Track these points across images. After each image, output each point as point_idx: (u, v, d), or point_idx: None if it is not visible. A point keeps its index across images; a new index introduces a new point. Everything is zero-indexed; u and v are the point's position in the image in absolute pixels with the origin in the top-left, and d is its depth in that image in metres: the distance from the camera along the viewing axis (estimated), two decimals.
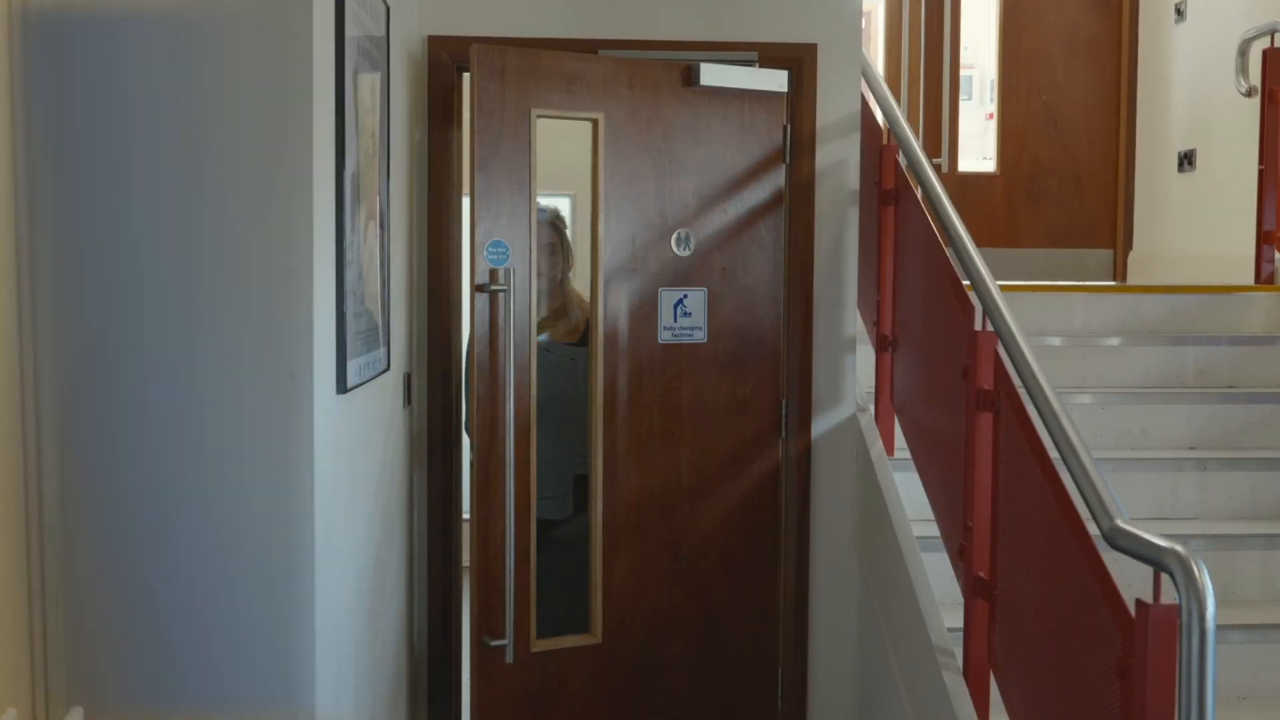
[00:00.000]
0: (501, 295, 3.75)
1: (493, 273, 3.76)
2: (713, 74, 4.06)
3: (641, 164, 4.05)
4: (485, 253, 3.74)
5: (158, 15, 2.51)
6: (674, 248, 4.11)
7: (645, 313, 4.09)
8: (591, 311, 4.05)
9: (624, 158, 4.03)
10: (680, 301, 4.12)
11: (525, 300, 3.86)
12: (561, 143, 4.23)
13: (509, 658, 3.75)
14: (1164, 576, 2.28)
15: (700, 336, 4.15)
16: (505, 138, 3.83)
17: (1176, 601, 2.22)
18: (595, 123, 3.99)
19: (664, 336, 4.12)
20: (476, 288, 3.75)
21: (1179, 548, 2.27)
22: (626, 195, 4.05)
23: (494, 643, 3.76)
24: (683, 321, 4.13)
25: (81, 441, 2.52)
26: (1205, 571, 2.22)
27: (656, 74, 4.06)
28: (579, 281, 4.36)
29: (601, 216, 4.02)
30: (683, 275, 4.14)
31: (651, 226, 4.08)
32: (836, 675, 4.28)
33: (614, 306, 4.06)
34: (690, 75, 4.07)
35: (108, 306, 2.53)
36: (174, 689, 2.57)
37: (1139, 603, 2.27)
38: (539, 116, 3.88)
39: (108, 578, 2.55)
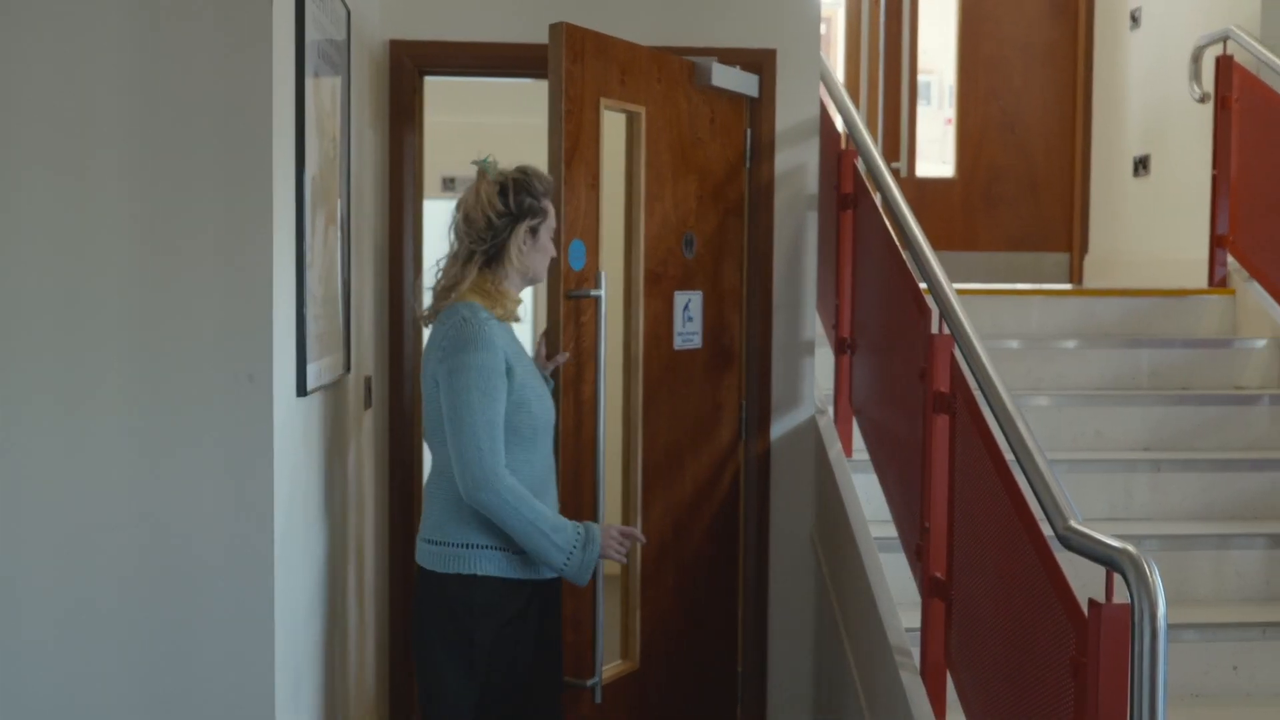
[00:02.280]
0: (594, 301, 3.52)
1: (579, 277, 3.51)
2: (720, 75, 3.99)
3: (666, 162, 3.92)
4: (568, 255, 3.46)
5: (117, 15, 2.50)
6: (684, 250, 4.00)
7: (668, 317, 3.96)
8: (629, 317, 3.85)
9: (656, 154, 3.87)
10: (687, 305, 4.02)
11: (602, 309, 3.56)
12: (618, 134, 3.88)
13: (598, 698, 3.61)
14: (1117, 576, 2.31)
15: (698, 341, 4.09)
16: (585, 128, 3.55)
17: (1129, 601, 2.26)
18: (639, 115, 3.81)
19: (676, 342, 3.99)
20: (567, 295, 3.45)
21: (1131, 548, 2.31)
22: (658, 194, 3.89)
23: (588, 682, 3.57)
24: (688, 326, 4.03)
25: (29, 441, 2.51)
26: (1156, 571, 2.26)
27: (674, 69, 3.92)
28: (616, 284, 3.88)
29: (641, 215, 3.82)
30: (688, 278, 4.04)
31: (671, 228, 3.96)
32: (795, 675, 4.31)
33: (650, 312, 3.86)
34: (697, 73, 3.99)
35: (63, 305, 2.51)
36: (127, 698, 2.56)
37: (1092, 602, 2.30)
38: (605, 107, 3.65)
39: (55, 582, 2.54)
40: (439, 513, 2.84)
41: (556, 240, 3.02)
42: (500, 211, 2.83)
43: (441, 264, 2.92)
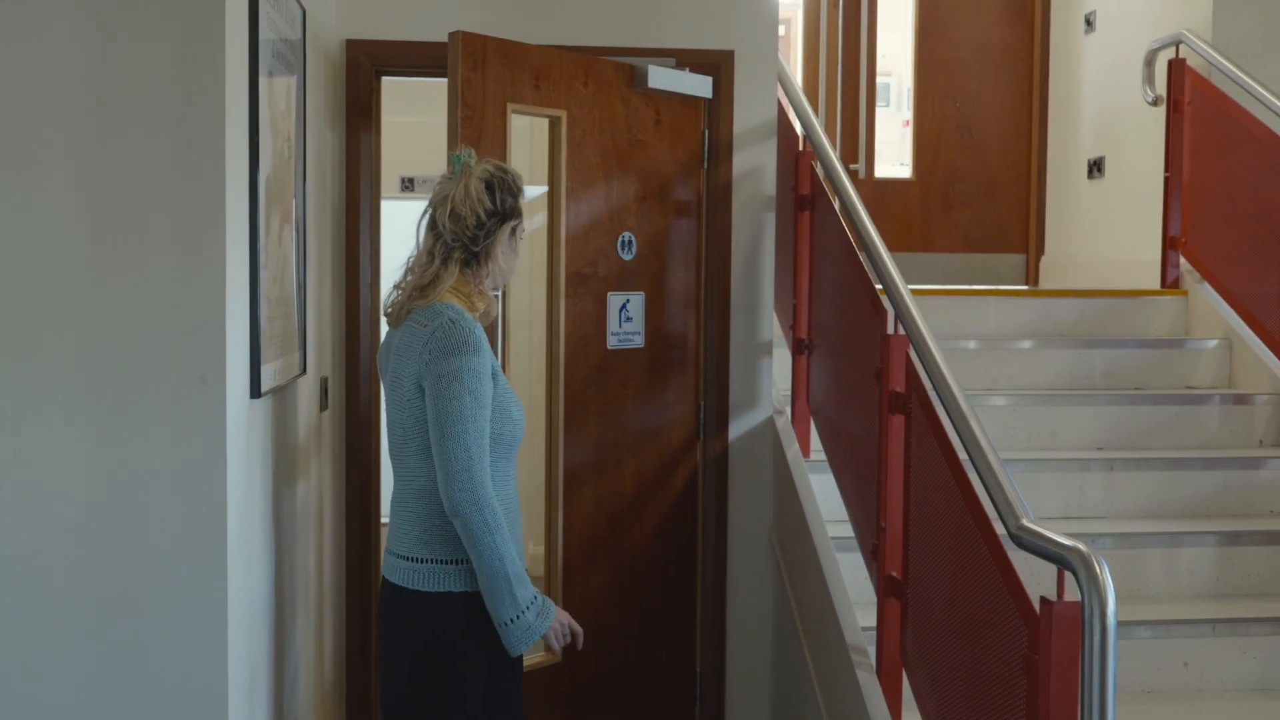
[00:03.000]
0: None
1: None
2: (659, 77, 4.03)
3: (595, 164, 3.97)
4: None
5: (67, 14, 2.48)
6: (619, 251, 4.06)
7: (597, 318, 4.02)
8: (551, 318, 3.92)
9: (581, 157, 3.93)
10: (624, 306, 4.08)
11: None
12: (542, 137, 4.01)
13: None
14: (1068, 574, 2.33)
15: (639, 341, 4.13)
16: (486, 132, 3.65)
17: (1079, 599, 2.28)
18: (560, 119, 3.88)
19: (611, 342, 4.06)
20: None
21: (1081, 546, 2.33)
22: (583, 197, 3.96)
23: None
24: (626, 326, 4.09)
25: None
26: (1106, 569, 2.28)
27: (607, 73, 3.98)
28: (536, 286, 4.17)
29: (563, 218, 3.90)
30: (627, 279, 4.10)
31: (602, 229, 4.01)
32: (753, 675, 4.33)
33: (573, 312, 3.95)
34: (635, 76, 4.03)
35: (12, 306, 2.49)
36: (77, 704, 2.53)
37: (1043, 600, 2.32)
38: (514, 112, 3.74)
39: (3, 587, 2.51)
40: (423, 527, 2.67)
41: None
42: (489, 210, 2.73)
43: (412, 260, 2.79)
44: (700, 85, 4.18)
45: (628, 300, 4.06)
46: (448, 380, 2.59)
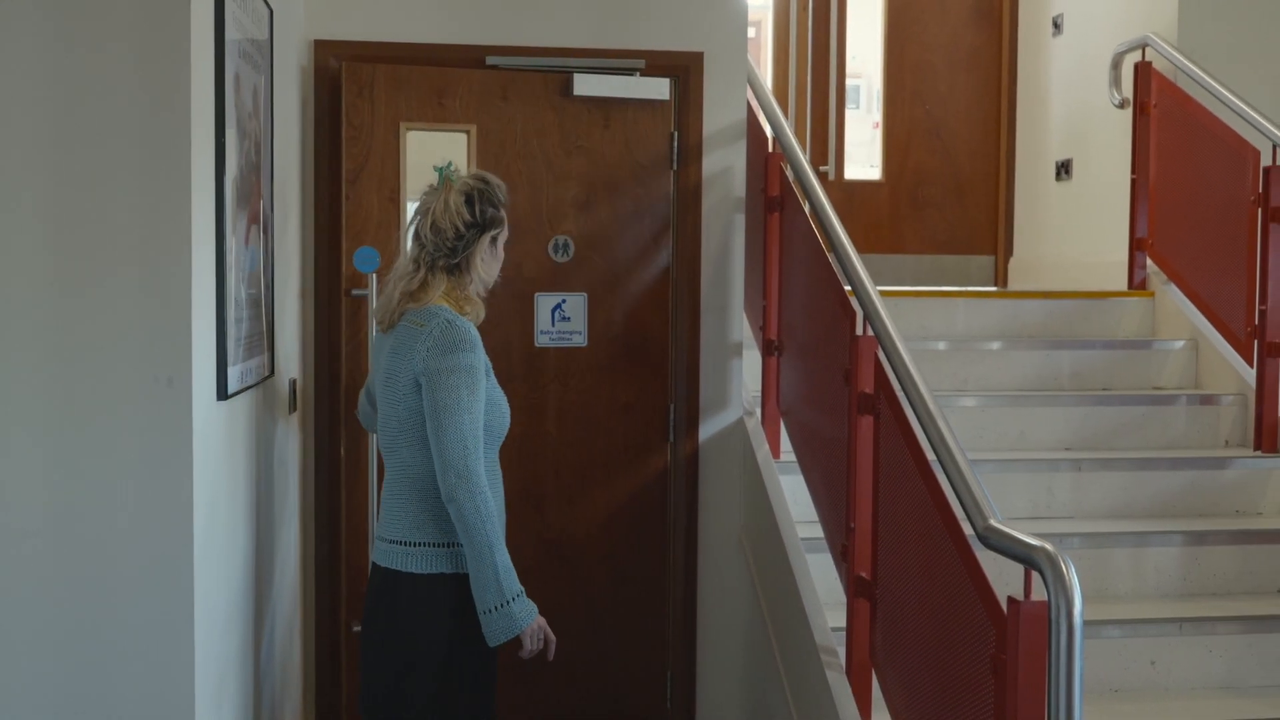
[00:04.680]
0: (366, 299, 3.93)
1: (363, 278, 3.93)
2: (587, 84, 4.15)
3: (516, 173, 4.14)
4: (355, 259, 3.85)
5: (31, 12, 2.46)
6: (551, 254, 4.20)
7: (521, 318, 4.18)
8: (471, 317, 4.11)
9: (498, 166, 4.11)
10: (559, 306, 4.20)
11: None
12: (454, 150, 4.21)
13: None
14: (1035, 574, 2.34)
15: (580, 340, 4.23)
16: (375, 150, 4.05)
17: (1046, 599, 2.29)
18: (468, 134, 4.12)
19: (541, 340, 4.21)
20: (349, 294, 4.02)
21: (1048, 546, 2.34)
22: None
23: (357, 628, 3.75)
24: (561, 326, 4.21)
25: None
26: (1073, 568, 2.29)
27: (534, 85, 4.15)
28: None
29: None
30: (561, 280, 4.21)
31: (527, 234, 4.15)
32: (724, 675, 4.33)
33: (490, 313, 4.09)
34: (573, 84, 4.13)
35: None
36: (41, 706, 2.51)
37: (1010, 600, 2.33)
38: (409, 130, 4.08)
39: None
40: (417, 512, 2.80)
41: (505, 246, 3.04)
42: (468, 222, 2.84)
43: (398, 268, 2.90)
44: (646, 88, 4.19)
45: (563, 300, 4.22)
46: (446, 375, 2.72)
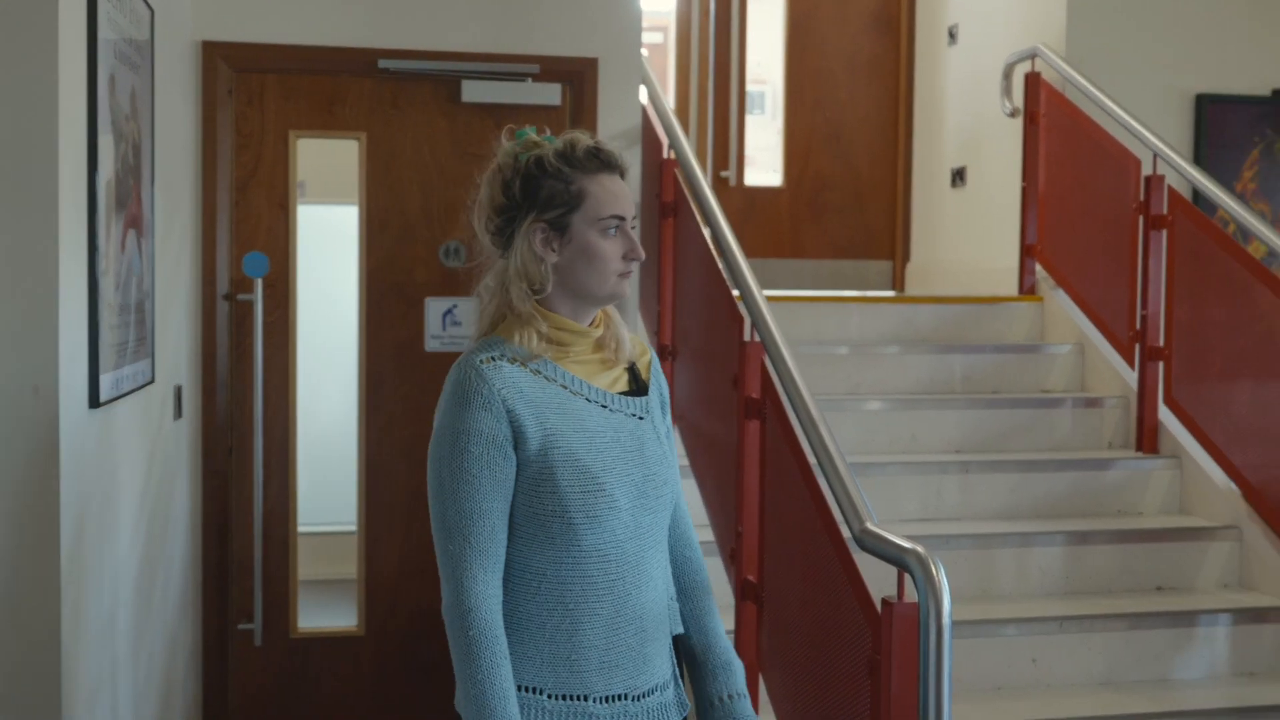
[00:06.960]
0: (253, 305, 4.02)
1: (249, 283, 4.02)
2: (476, 90, 4.17)
3: (407, 179, 4.18)
4: (244, 264, 3.94)
5: None
6: (443, 259, 4.22)
7: (411, 321, 4.22)
8: (360, 320, 4.18)
9: (389, 173, 4.16)
10: (450, 311, 4.21)
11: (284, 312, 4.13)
12: (352, 154, 4.26)
13: (258, 641, 4.09)
14: (907, 576, 2.37)
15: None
16: (264, 158, 4.09)
17: (918, 599, 2.32)
18: (359, 141, 4.17)
19: (431, 345, 4.24)
20: (225, 296, 4.07)
21: (919, 548, 2.37)
22: (391, 210, 4.19)
23: (242, 626, 4.11)
24: (452, 330, 4.23)
25: None
26: (942, 570, 2.32)
27: (424, 92, 4.18)
28: (347, 292, 4.35)
29: (365, 231, 4.18)
30: (452, 285, 4.23)
31: (418, 239, 4.20)
32: None
33: (377, 316, 4.19)
34: (463, 91, 4.16)
35: None
36: None
37: (884, 601, 2.36)
38: (299, 137, 4.14)
39: None
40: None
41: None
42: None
43: None
44: (536, 94, 4.20)
45: (454, 305, 4.22)
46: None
